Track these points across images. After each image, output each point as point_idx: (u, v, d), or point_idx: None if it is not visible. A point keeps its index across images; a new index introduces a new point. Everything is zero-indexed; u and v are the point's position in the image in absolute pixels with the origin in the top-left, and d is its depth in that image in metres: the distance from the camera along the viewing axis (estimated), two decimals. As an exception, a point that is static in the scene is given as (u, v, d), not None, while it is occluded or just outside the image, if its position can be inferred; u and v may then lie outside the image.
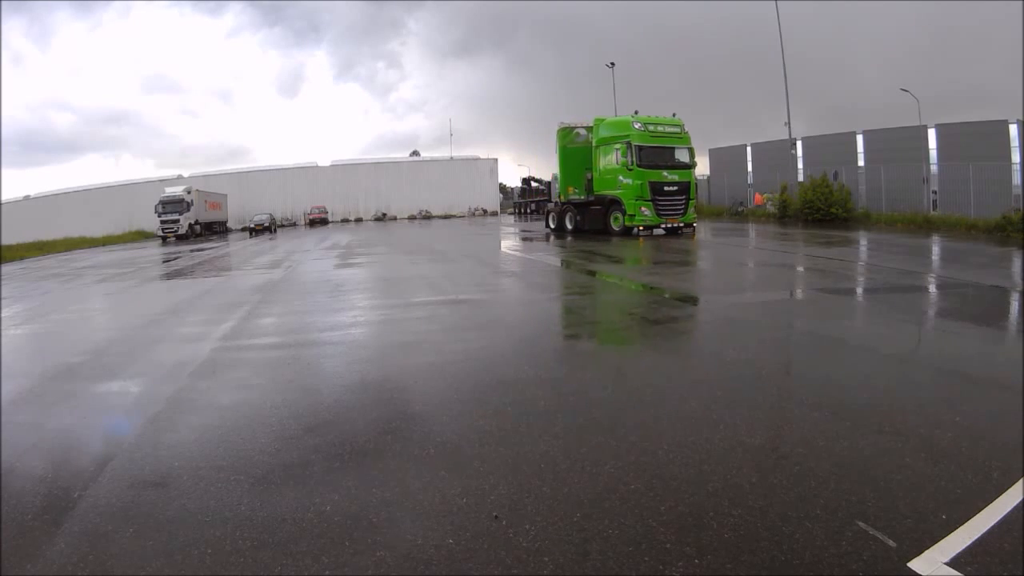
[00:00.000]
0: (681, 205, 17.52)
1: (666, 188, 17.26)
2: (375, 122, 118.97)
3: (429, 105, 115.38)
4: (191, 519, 2.45)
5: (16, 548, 2.30)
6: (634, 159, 17.22)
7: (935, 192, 20.42)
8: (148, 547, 2.26)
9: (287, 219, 49.17)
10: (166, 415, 3.80)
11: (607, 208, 18.50)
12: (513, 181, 57.66)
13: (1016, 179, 18.19)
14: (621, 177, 17.66)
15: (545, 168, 29.11)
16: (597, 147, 19.02)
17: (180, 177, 48.76)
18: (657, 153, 17.48)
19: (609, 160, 18.38)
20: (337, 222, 48.42)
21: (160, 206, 33.89)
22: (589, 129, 19.82)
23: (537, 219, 37.69)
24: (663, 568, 2.01)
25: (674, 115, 18.43)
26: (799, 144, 26.12)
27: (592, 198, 19.28)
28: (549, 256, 14.03)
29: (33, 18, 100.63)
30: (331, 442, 3.18)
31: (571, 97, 79.26)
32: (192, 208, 34.49)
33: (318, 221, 45.75)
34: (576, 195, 20.09)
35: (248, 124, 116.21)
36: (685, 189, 17.61)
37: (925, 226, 17.90)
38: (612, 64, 39.20)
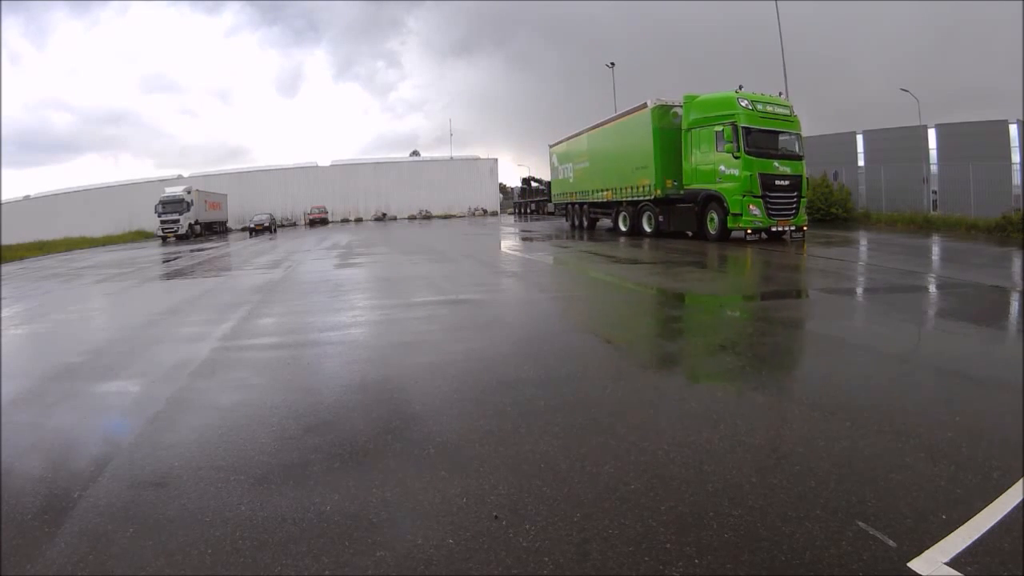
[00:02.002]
0: (793, 204, 14.40)
1: (777, 183, 14.08)
2: (375, 122, 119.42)
3: (429, 105, 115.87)
4: (191, 519, 2.45)
5: (16, 548, 2.30)
6: (742, 145, 13.92)
7: (935, 192, 20.44)
8: (148, 547, 2.26)
9: (287, 219, 49.26)
10: (166, 415, 3.79)
11: (702, 206, 15.16)
12: (513, 181, 57.75)
13: (1016, 179, 18.23)
14: (723, 167, 14.38)
15: (545, 167, 29.04)
16: (688, 131, 15.62)
17: (180, 177, 48.85)
18: (767, 139, 14.30)
19: (704, 147, 15.03)
20: (337, 222, 48.44)
21: (160, 206, 33.97)
22: None
23: (538, 219, 37.74)
24: (663, 568, 2.01)
25: (780, 94, 15.37)
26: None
27: (682, 194, 15.97)
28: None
29: (30, 17, 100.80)
30: (331, 442, 3.18)
31: (571, 97, 79.37)
32: (192, 208, 34.57)
33: (318, 221, 45.82)
34: (674, 190, 16.34)
35: (247, 124, 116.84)
36: (797, 185, 14.47)
37: (925, 226, 17.89)
38: (612, 64, 39.31)
